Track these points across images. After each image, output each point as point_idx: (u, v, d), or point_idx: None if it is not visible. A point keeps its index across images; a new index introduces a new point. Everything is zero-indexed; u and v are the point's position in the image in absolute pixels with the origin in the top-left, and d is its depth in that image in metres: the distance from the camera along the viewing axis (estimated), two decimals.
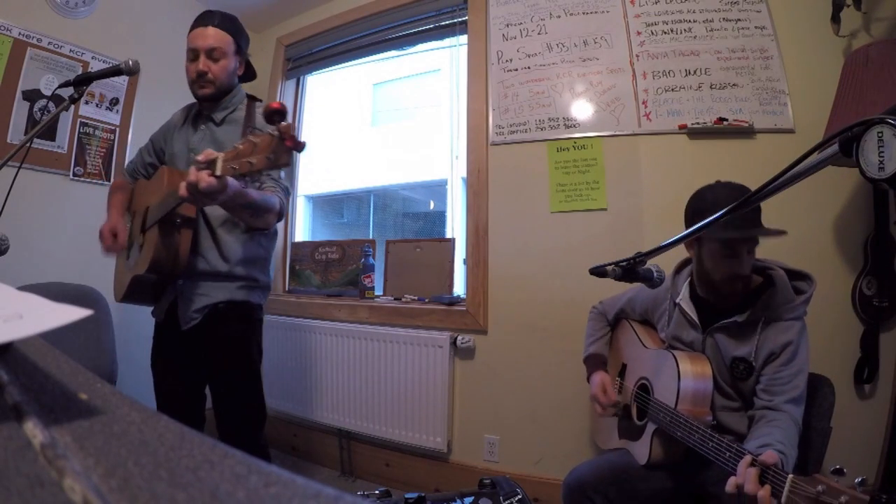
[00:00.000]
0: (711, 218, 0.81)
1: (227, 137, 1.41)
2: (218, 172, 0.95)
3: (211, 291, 1.38)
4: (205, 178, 0.97)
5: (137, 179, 1.59)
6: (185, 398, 1.46)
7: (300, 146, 0.86)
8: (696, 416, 1.10)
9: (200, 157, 0.99)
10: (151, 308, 1.50)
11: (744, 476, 0.84)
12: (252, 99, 1.51)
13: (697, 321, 1.23)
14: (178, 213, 1.24)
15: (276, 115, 0.84)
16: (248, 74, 1.55)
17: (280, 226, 2.69)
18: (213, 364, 1.41)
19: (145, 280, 1.32)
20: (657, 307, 1.38)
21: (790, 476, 0.78)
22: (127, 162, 1.62)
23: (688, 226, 1.17)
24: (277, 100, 2.72)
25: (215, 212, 1.36)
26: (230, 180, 1.01)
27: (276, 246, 2.68)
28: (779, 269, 1.19)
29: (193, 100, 1.49)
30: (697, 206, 1.20)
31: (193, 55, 1.39)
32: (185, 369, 1.44)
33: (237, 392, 1.43)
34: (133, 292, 1.40)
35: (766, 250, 1.29)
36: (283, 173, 1.38)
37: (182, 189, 1.01)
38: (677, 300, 1.28)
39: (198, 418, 1.50)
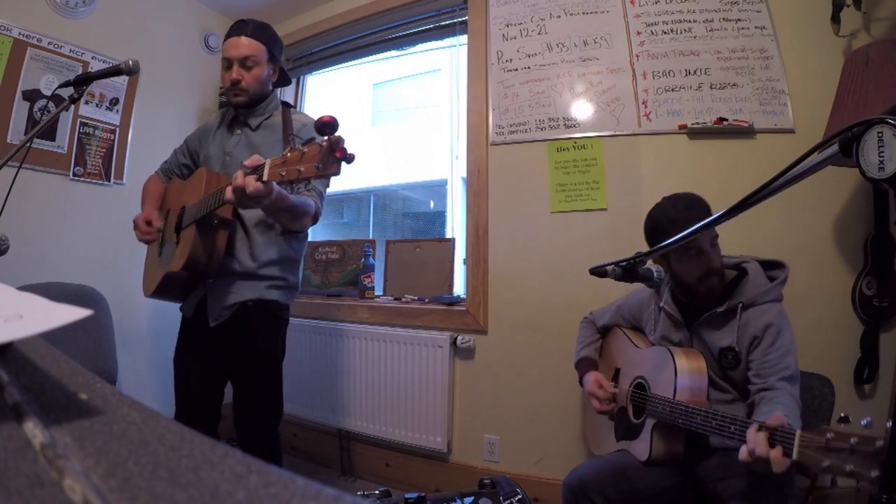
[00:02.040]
0: (696, 226, 0.82)
1: (263, 142, 1.46)
2: (265, 178, 0.99)
3: (241, 290, 1.41)
4: (252, 183, 1.01)
5: (171, 179, 1.63)
6: (206, 393, 1.49)
7: (350, 158, 0.90)
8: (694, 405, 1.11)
9: (247, 163, 1.05)
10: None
11: (754, 442, 0.86)
12: (287, 105, 1.54)
13: (682, 320, 1.26)
14: (216, 215, 1.28)
15: (327, 127, 0.89)
16: (282, 80, 1.58)
17: None
18: (238, 359, 1.44)
19: (177, 277, 1.36)
20: (643, 312, 1.41)
21: (798, 432, 0.80)
22: (161, 162, 1.69)
23: (650, 244, 1.24)
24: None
25: (249, 213, 1.40)
26: (274, 185, 1.05)
27: None
28: (752, 260, 1.24)
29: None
30: (652, 224, 1.26)
31: (227, 64, 1.43)
32: (210, 365, 1.46)
33: (260, 387, 1.46)
34: (163, 288, 1.44)
35: (764, 249, 1.29)
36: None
37: (229, 193, 1.07)
38: (661, 304, 1.32)
39: (215, 414, 1.52)
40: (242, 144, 1.48)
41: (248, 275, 1.41)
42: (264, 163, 1.01)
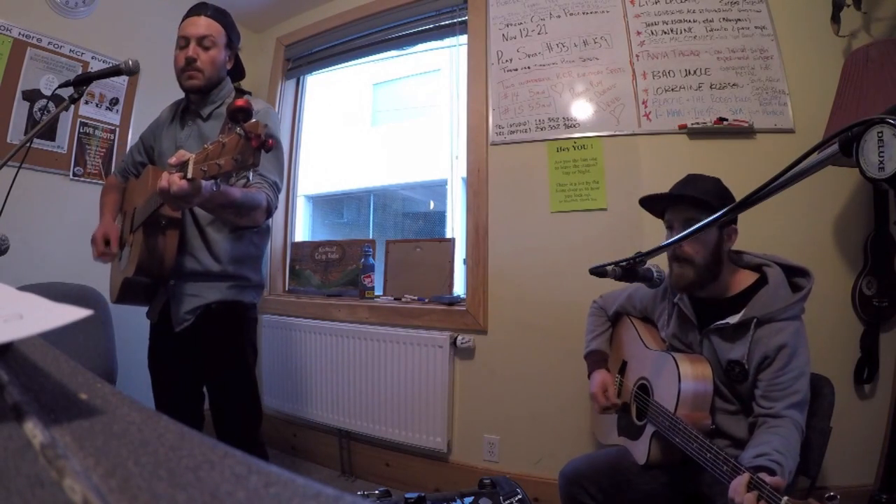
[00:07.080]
0: (712, 217, 0.81)
1: (214, 133, 1.36)
2: (189, 175, 0.92)
3: (203, 292, 1.36)
4: (176, 182, 0.93)
5: (129, 179, 1.56)
6: (183, 399, 1.46)
7: (267, 146, 0.82)
8: (695, 420, 1.09)
9: (172, 160, 0.96)
10: (146, 309, 1.50)
11: (742, 496, 0.85)
12: (241, 93, 1.44)
13: (695, 321, 1.22)
14: (163, 215, 1.21)
15: (239, 113, 0.79)
16: (238, 72, 1.51)
17: (280, 225, 2.72)
18: (207, 364, 1.40)
19: (136, 282, 1.31)
20: (657, 305, 1.37)
21: (785, 498, 0.79)
22: (118, 161, 1.62)
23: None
24: (276, 100, 2.72)
25: (201, 210, 1.32)
26: (204, 182, 0.96)
27: (276, 246, 2.69)
28: (775, 264, 1.17)
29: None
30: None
31: (184, 42, 1.35)
32: (181, 370, 1.43)
33: (232, 392, 1.42)
34: (126, 294, 1.39)
35: (764, 247, 1.29)
36: (270, 167, 1.34)
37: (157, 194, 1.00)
38: (675, 300, 1.27)
39: (196, 418, 1.50)
40: (194, 136, 1.40)
41: (209, 275, 1.35)
42: (188, 158, 0.93)
